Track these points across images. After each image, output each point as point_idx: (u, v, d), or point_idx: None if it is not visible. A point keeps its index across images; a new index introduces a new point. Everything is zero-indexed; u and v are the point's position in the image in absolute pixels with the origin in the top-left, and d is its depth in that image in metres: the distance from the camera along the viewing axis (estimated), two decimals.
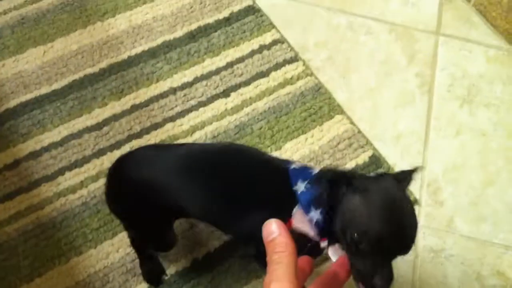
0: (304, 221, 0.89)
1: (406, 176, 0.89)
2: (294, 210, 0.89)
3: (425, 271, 1.30)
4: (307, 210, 0.88)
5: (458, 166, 1.44)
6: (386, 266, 0.82)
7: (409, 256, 1.28)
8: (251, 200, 0.97)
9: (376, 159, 1.42)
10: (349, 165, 1.41)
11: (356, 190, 0.83)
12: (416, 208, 1.35)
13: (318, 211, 0.88)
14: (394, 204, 0.82)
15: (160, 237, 1.15)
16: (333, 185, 0.85)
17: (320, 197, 0.87)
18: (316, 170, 0.93)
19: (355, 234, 0.81)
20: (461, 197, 1.40)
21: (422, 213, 1.37)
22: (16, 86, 1.49)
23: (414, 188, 1.39)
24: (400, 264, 1.30)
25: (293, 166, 0.95)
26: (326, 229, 0.88)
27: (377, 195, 0.83)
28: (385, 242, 0.80)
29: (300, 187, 0.90)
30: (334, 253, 0.93)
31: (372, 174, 0.91)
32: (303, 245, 0.95)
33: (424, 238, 1.34)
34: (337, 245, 0.92)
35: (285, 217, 0.88)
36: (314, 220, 0.88)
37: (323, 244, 0.91)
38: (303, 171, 0.93)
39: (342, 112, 1.49)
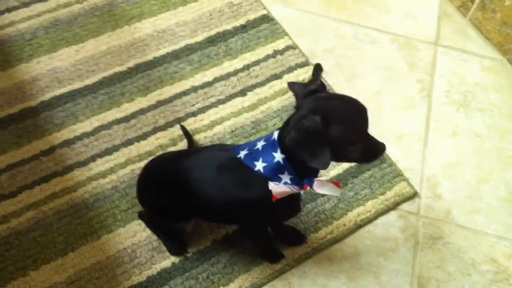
0: (283, 187, 1.06)
1: (316, 77, 1.09)
2: (270, 186, 1.06)
3: (424, 256, 1.41)
4: (278, 180, 1.06)
5: (455, 163, 1.57)
6: (372, 138, 1.06)
7: (410, 243, 1.41)
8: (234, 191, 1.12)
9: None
10: None
11: (295, 123, 1.00)
12: (417, 200, 1.49)
13: (286, 173, 1.05)
14: (346, 107, 1.04)
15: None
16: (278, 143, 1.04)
17: (278, 164, 1.04)
18: (257, 142, 1.08)
19: (353, 147, 1.02)
20: (458, 191, 1.52)
21: (422, 205, 1.49)
22: (50, 81, 1.62)
23: (415, 182, 1.52)
24: (402, 250, 1.41)
25: (242, 154, 1.09)
26: (302, 177, 1.06)
27: (336, 115, 1.01)
28: (363, 129, 1.04)
29: (259, 166, 1.06)
30: (321, 187, 1.09)
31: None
32: (293, 199, 1.14)
33: (424, 227, 1.45)
34: (316, 181, 1.08)
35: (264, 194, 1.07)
36: (289, 181, 1.06)
37: (308, 188, 1.08)
38: (251, 154, 1.08)
39: None
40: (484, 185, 1.53)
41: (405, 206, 1.49)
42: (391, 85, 1.71)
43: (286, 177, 1.05)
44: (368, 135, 1.05)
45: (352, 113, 1.02)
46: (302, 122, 0.97)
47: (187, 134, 1.49)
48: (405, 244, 1.43)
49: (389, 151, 1.56)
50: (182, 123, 1.53)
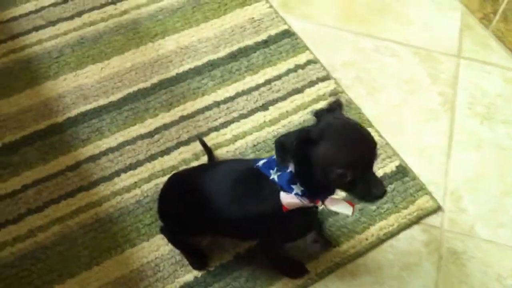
0: (293, 198, 1.05)
1: (336, 105, 1.05)
2: (281, 195, 1.06)
3: (448, 272, 1.40)
4: (290, 190, 1.05)
5: (478, 177, 1.56)
6: (373, 177, 0.98)
7: (434, 257, 1.40)
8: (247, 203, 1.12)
9: (402, 169, 1.54)
10: (377, 174, 1.52)
11: (314, 141, 0.97)
12: (440, 214, 1.48)
13: (298, 184, 1.05)
14: (346, 128, 0.99)
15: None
16: (295, 153, 0.98)
17: (292, 174, 1.04)
18: None
19: (339, 171, 0.95)
20: (482, 205, 1.51)
21: (445, 219, 1.48)
22: (76, 97, 1.65)
23: (438, 196, 1.51)
24: (425, 265, 1.40)
25: (260, 162, 1.10)
26: (313, 192, 1.05)
27: (330, 132, 0.97)
28: (361, 158, 0.96)
29: (274, 175, 1.06)
30: (333, 205, 1.08)
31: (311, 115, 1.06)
32: (308, 215, 1.13)
33: (447, 241, 1.44)
34: (329, 198, 1.08)
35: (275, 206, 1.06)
36: (300, 193, 1.05)
37: (320, 204, 1.07)
38: (269, 162, 1.08)
39: (371, 125, 1.62)
40: (509, 199, 1.52)
41: (428, 220, 1.47)
42: (412, 98, 1.71)
43: (297, 189, 1.05)
44: (371, 173, 0.98)
45: (354, 138, 0.97)
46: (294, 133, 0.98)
47: (206, 148, 1.51)
48: (429, 258, 1.42)
49: (412, 164, 1.56)
50: (202, 138, 1.55)
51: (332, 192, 1.08)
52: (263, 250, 1.32)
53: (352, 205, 1.09)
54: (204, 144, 1.51)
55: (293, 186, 1.05)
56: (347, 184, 0.97)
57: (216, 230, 1.28)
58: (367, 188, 0.97)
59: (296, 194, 1.05)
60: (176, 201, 1.25)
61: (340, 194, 1.11)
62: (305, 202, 1.06)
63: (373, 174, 0.99)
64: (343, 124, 1.00)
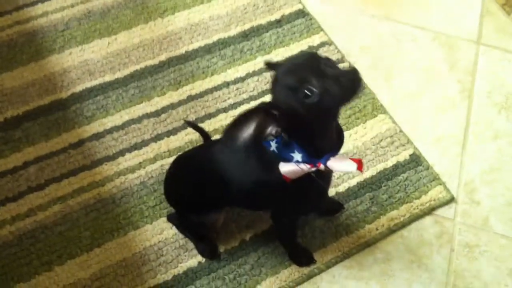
0: (292, 166, 1.00)
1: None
2: (280, 165, 1.00)
3: (460, 265, 1.36)
4: (290, 158, 1.00)
5: (494, 168, 1.50)
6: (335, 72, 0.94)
7: (445, 250, 1.36)
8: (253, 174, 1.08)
9: (416, 157, 1.49)
10: (390, 161, 1.48)
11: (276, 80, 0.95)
12: (453, 205, 1.43)
13: (296, 152, 0.99)
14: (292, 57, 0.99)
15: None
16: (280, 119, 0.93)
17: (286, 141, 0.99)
18: None
19: (304, 91, 0.90)
20: (497, 197, 1.46)
21: (458, 211, 1.43)
22: (82, 73, 1.60)
23: (452, 186, 1.46)
24: (436, 257, 1.36)
25: None
26: (313, 152, 0.99)
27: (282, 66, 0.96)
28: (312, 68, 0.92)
29: (273, 146, 1.01)
30: (336, 164, 1.01)
31: None
32: (311, 180, 1.05)
33: (460, 234, 1.40)
34: (332, 158, 1.01)
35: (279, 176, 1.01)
36: (299, 159, 0.99)
37: (321, 166, 1.02)
38: None
39: (385, 112, 1.56)
40: None
41: (441, 211, 1.43)
42: (430, 85, 1.65)
43: (297, 156, 0.99)
44: (331, 74, 0.92)
45: (298, 58, 0.97)
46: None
47: (198, 130, 1.41)
48: (440, 251, 1.37)
49: (426, 153, 1.51)
50: (190, 121, 1.49)
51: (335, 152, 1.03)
52: (277, 223, 1.28)
53: (357, 160, 1.02)
54: (194, 126, 1.42)
55: (292, 154, 0.99)
56: (321, 98, 0.91)
57: (229, 202, 1.24)
58: (339, 85, 0.92)
59: (296, 161, 0.99)
60: (187, 180, 1.21)
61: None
62: (306, 168, 1.00)
63: (333, 73, 0.93)
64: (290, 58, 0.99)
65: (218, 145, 1.18)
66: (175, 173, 1.27)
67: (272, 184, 1.06)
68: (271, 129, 0.92)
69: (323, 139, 1.01)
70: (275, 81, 0.95)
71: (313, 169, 1.01)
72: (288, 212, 1.21)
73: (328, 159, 1.01)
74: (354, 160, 1.02)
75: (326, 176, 1.11)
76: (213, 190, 1.17)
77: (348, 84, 0.93)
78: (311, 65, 0.93)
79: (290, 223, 1.26)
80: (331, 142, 1.03)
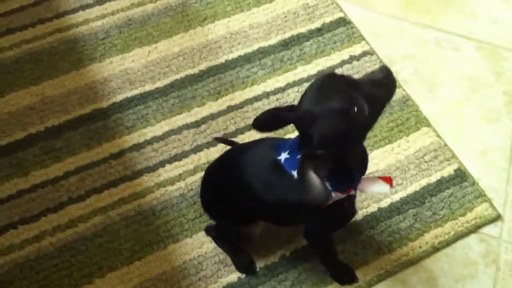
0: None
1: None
2: None
3: (506, 285, 1.32)
4: None
5: None
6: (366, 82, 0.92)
7: (491, 269, 1.32)
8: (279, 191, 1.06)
9: (461, 173, 1.45)
10: (434, 177, 1.44)
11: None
12: (499, 223, 1.39)
13: (327, 183, 0.94)
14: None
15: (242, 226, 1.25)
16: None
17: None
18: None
19: (354, 108, 0.88)
20: None
21: (505, 229, 1.39)
22: (122, 82, 1.60)
23: (498, 203, 1.42)
24: (482, 277, 1.32)
25: (282, 156, 1.00)
26: (341, 182, 0.97)
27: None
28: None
29: (294, 175, 0.96)
30: (367, 186, 1.00)
31: None
32: (344, 206, 1.04)
33: (506, 253, 1.36)
34: (362, 181, 0.99)
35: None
36: (330, 188, 0.95)
37: (353, 192, 1.00)
38: (292, 159, 0.99)
39: (428, 124, 1.52)
40: None
41: (487, 229, 1.39)
42: (474, 95, 1.61)
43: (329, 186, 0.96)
44: (360, 84, 0.92)
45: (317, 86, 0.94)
46: None
47: (228, 143, 1.41)
48: (486, 270, 1.34)
49: (471, 168, 1.47)
50: (219, 137, 1.47)
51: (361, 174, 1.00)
52: (308, 239, 1.25)
53: (387, 178, 1.01)
54: (225, 141, 1.41)
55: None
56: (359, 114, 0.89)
57: (257, 216, 1.22)
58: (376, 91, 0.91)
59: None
60: (222, 186, 1.20)
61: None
62: (338, 196, 0.98)
63: (363, 81, 0.93)
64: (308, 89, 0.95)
65: (248, 154, 1.16)
66: (209, 178, 1.27)
67: (300, 206, 1.03)
68: (323, 172, 0.91)
69: (353, 160, 0.99)
70: (310, 121, 0.91)
71: (345, 195, 1.00)
72: (318, 229, 1.19)
73: (358, 183, 0.99)
74: (383, 178, 1.00)
75: (352, 195, 1.08)
76: (239, 198, 1.15)
77: (384, 81, 0.92)
78: (338, 82, 0.91)
79: (324, 241, 1.24)
80: (357, 163, 1.01)
